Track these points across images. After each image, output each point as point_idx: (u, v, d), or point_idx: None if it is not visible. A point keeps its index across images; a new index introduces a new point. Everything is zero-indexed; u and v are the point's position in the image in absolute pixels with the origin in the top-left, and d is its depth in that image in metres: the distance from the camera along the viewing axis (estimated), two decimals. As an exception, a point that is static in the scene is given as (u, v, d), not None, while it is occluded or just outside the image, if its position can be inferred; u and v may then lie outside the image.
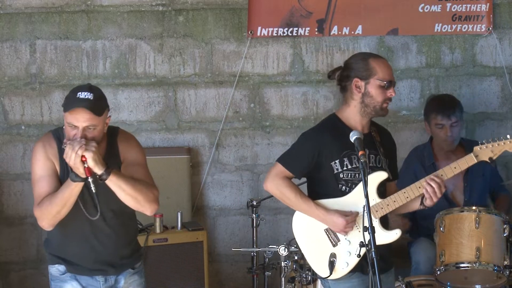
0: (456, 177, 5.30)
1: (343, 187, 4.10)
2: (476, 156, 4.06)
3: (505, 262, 4.54)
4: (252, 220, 5.27)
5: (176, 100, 5.74)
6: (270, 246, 5.07)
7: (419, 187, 4.05)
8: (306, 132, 4.25)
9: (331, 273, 4.07)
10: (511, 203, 5.43)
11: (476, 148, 4.07)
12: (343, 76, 4.18)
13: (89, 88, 3.79)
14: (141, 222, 5.17)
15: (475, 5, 5.82)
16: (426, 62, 5.92)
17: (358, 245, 3.96)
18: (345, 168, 4.08)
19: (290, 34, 5.72)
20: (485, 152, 4.06)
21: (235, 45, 5.74)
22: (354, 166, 4.08)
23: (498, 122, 5.99)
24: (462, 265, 4.55)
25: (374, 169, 4.10)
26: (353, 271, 4.09)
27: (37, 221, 3.84)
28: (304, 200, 4.12)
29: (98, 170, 3.70)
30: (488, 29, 5.86)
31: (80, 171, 3.67)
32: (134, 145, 4.03)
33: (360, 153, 3.83)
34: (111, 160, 3.84)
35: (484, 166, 5.35)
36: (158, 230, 5.15)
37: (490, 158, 4.06)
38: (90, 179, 3.69)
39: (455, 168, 4.07)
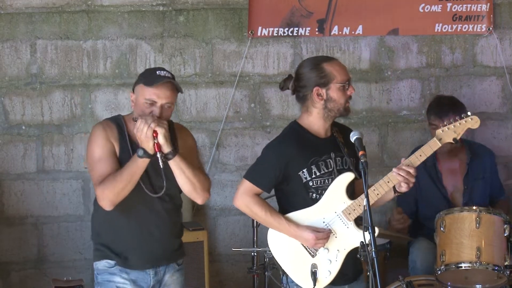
0: (455, 178, 5.33)
1: (313, 195, 4.10)
2: (440, 140, 4.00)
3: (506, 262, 4.55)
4: (253, 220, 5.27)
5: (177, 100, 5.72)
6: (271, 246, 5.06)
7: (388, 182, 4.01)
8: (269, 144, 4.26)
9: (315, 284, 4.08)
10: (510, 207, 5.42)
11: (439, 131, 4.01)
12: (299, 87, 4.15)
13: (164, 69, 3.97)
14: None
15: (476, 5, 5.82)
16: (426, 62, 5.92)
17: (336, 250, 4.02)
18: (313, 176, 4.07)
19: (291, 34, 5.72)
20: (448, 133, 4.01)
21: (235, 45, 5.74)
22: (322, 172, 4.08)
23: (499, 122, 5.99)
24: (462, 265, 4.56)
25: (341, 171, 4.09)
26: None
27: (98, 201, 3.86)
28: (274, 217, 4.12)
29: (166, 148, 3.81)
30: (489, 29, 5.86)
31: (149, 146, 3.76)
32: (189, 134, 4.22)
33: (361, 153, 3.83)
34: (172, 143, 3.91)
35: (484, 169, 5.36)
36: (158, 230, 5.15)
37: (454, 139, 4.01)
38: (158, 155, 3.76)
39: (420, 156, 4.02)
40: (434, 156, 5.36)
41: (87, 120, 5.61)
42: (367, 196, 3.71)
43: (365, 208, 3.71)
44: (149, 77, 3.89)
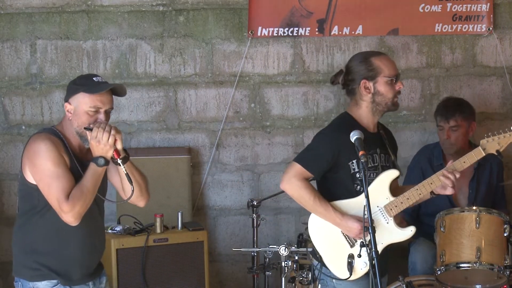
0: (461, 181, 5.32)
1: (358, 187, 4.10)
2: (484, 149, 4.09)
3: (506, 262, 4.54)
4: (253, 220, 5.27)
5: (177, 100, 5.74)
6: (271, 246, 5.06)
7: (431, 183, 4.11)
8: (323, 131, 4.25)
9: (351, 274, 4.07)
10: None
11: (483, 141, 4.08)
12: (348, 80, 4.18)
13: (97, 75, 3.88)
14: (141, 222, 5.17)
15: (476, 5, 5.82)
16: (426, 62, 5.92)
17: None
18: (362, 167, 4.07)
19: (291, 34, 5.72)
20: (492, 144, 4.07)
21: (235, 45, 5.74)
22: (370, 165, 4.10)
23: (499, 122, 5.99)
24: (462, 265, 4.55)
25: (384, 168, 4.15)
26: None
27: (64, 216, 3.69)
28: (322, 203, 4.09)
29: (123, 152, 3.75)
30: (489, 29, 5.86)
31: (109, 154, 3.69)
32: None
33: (361, 153, 3.83)
34: None
35: (491, 176, 5.36)
36: (158, 230, 5.15)
37: (497, 151, 4.06)
38: (119, 161, 3.72)
39: (464, 162, 4.12)
40: (441, 156, 5.36)
41: (87, 120, 5.61)
42: (367, 196, 3.72)
43: (365, 208, 3.72)
44: (90, 85, 3.78)
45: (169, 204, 5.45)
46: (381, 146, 4.17)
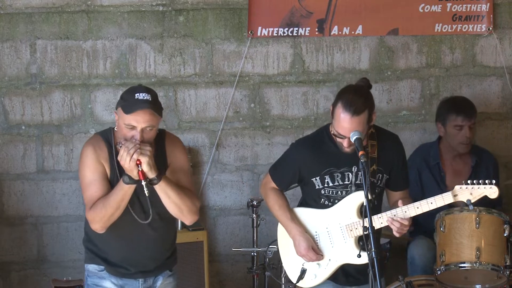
0: (459, 180, 5.27)
1: (325, 201, 4.15)
2: (455, 196, 4.06)
3: (506, 262, 4.55)
4: (253, 220, 5.28)
5: (177, 100, 5.74)
6: (271, 246, 5.07)
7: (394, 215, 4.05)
8: (294, 143, 4.32)
9: (297, 281, 4.18)
10: None
11: (457, 188, 4.06)
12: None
13: (146, 89, 3.85)
14: (142, 222, 5.17)
15: (476, 5, 5.82)
16: (426, 62, 5.92)
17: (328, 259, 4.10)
18: (326, 185, 4.09)
19: (291, 34, 5.72)
20: (465, 193, 4.05)
21: (235, 45, 5.73)
22: (336, 184, 4.10)
23: (499, 122, 5.99)
24: (462, 265, 4.56)
25: (359, 186, 4.09)
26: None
27: (90, 224, 3.85)
28: (283, 213, 4.21)
29: (151, 174, 3.75)
30: (489, 29, 5.86)
31: (134, 174, 3.71)
32: (180, 149, 4.06)
33: (360, 153, 3.84)
34: (159, 162, 3.85)
35: (488, 175, 5.34)
36: (158, 230, 5.14)
37: (468, 200, 4.04)
38: (143, 183, 3.73)
39: (431, 203, 4.07)
40: (438, 156, 5.37)
41: (86, 120, 5.61)
42: (366, 197, 3.73)
43: (365, 209, 3.73)
44: (128, 102, 3.79)
45: (169, 204, 5.45)
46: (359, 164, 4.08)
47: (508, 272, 4.55)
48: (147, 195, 3.74)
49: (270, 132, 5.81)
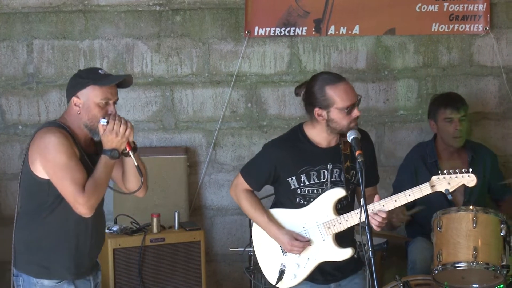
0: None
1: (301, 201, 4.12)
2: (432, 186, 4.01)
3: (503, 262, 4.55)
4: (249, 219, 5.27)
5: (173, 100, 5.74)
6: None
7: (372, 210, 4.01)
8: (268, 143, 4.27)
9: (277, 282, 4.14)
10: None
11: (434, 178, 4.02)
12: (305, 101, 4.10)
13: (99, 67, 3.94)
14: (138, 222, 5.17)
15: (472, 5, 5.83)
16: (423, 61, 5.92)
17: (307, 259, 4.06)
18: (302, 184, 4.08)
19: (287, 34, 5.72)
20: (443, 183, 4.02)
21: (232, 45, 5.73)
22: (312, 182, 4.08)
23: (495, 122, 6.00)
24: (459, 264, 4.55)
25: (335, 183, 4.08)
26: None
27: (78, 208, 3.70)
28: (258, 214, 4.18)
29: (132, 144, 3.78)
30: (485, 28, 5.86)
31: (123, 146, 3.73)
32: None
33: (357, 152, 3.84)
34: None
35: (485, 170, 5.37)
36: (155, 230, 5.14)
37: (447, 190, 4.02)
38: (131, 153, 3.77)
39: (409, 195, 4.02)
40: (435, 153, 5.38)
41: (83, 120, 5.61)
42: (364, 196, 3.73)
43: (363, 207, 3.73)
44: (98, 78, 3.76)
45: (166, 204, 5.45)
46: (334, 161, 4.06)
47: (504, 272, 4.55)
48: (135, 164, 3.78)
49: (267, 132, 5.81)
